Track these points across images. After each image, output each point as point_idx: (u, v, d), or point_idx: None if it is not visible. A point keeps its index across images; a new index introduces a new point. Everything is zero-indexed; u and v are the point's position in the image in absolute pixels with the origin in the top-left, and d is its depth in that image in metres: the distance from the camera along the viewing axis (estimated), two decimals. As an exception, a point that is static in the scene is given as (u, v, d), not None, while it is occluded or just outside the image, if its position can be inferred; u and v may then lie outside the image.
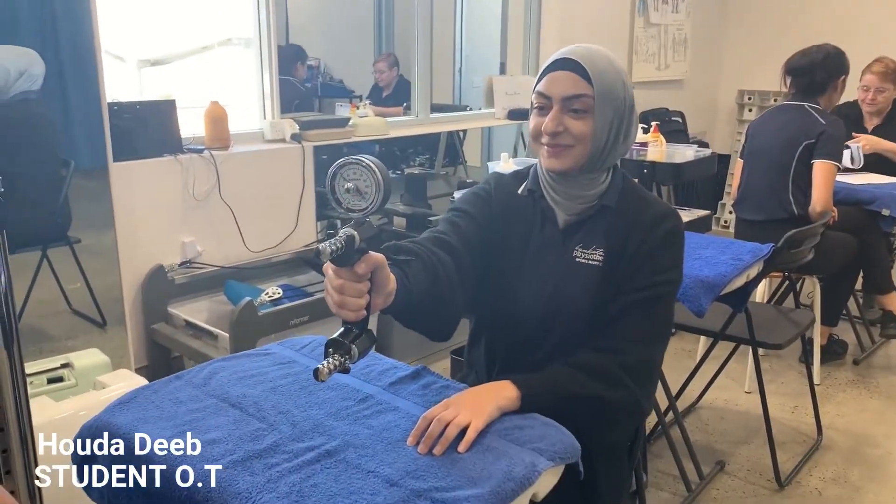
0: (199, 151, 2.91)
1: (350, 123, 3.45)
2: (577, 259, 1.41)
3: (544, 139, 1.37)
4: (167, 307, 2.85)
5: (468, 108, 4.92)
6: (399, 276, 1.14)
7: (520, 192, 1.49)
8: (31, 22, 2.78)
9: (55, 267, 3.52)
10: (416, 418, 1.19)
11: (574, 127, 1.35)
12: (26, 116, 3.00)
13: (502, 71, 5.04)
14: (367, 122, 3.51)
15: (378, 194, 1.05)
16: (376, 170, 1.05)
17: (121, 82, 3.50)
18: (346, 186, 1.06)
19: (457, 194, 2.80)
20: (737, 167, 3.34)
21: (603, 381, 1.30)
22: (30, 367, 2.38)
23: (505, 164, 2.78)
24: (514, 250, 1.44)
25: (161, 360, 2.88)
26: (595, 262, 1.39)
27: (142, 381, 2.27)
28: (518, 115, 4.26)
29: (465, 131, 5.06)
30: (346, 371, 1.01)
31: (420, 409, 1.22)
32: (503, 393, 1.23)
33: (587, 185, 1.41)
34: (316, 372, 0.96)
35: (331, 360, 0.98)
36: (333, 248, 0.91)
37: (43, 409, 2.11)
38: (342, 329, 0.99)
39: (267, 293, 2.64)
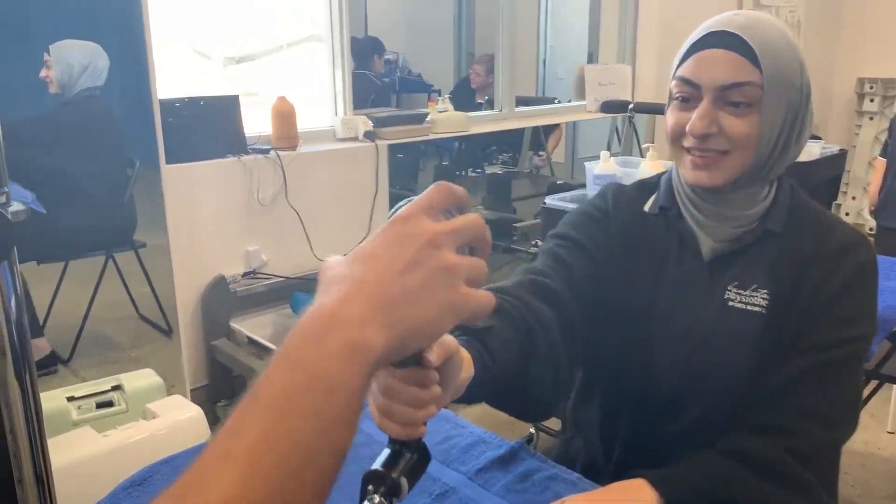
0: (265, 152, 2.66)
1: (428, 119, 3.14)
2: (731, 303, 1.04)
3: (688, 142, 1.01)
4: (229, 322, 2.61)
5: (556, 101, 4.55)
6: (478, 354, 0.80)
7: (647, 209, 1.13)
8: (86, 15, 2.60)
9: (122, 270, 3.38)
10: (516, 531, 0.86)
11: (732, 127, 0.98)
12: (91, 114, 2.84)
13: (590, 60, 4.65)
14: (446, 118, 3.20)
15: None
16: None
17: (206, 79, 3.36)
18: None
19: (548, 199, 2.45)
20: (877, 167, 2.86)
21: (774, 478, 0.94)
22: (79, 390, 2.18)
23: (605, 164, 2.41)
24: (640, 290, 1.09)
25: (222, 380, 2.65)
26: (756, 308, 1.03)
27: (195, 411, 2.04)
28: (613, 107, 3.86)
29: (554, 126, 4.68)
30: None
31: (520, 515, 0.89)
32: (639, 498, 0.89)
33: (744, 202, 1.05)
34: None
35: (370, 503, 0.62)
36: None
37: (84, 442, 1.89)
38: (388, 452, 0.63)
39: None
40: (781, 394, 0.99)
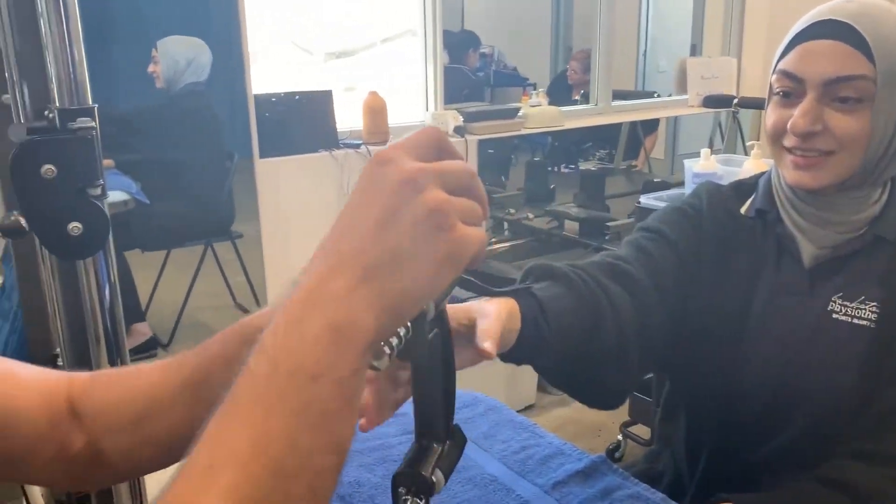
0: (356, 146, 2.68)
1: (520, 114, 3.09)
2: (835, 315, 0.96)
3: (789, 141, 0.94)
4: (318, 314, 2.65)
5: (656, 95, 4.40)
6: (529, 311, 0.78)
7: (743, 211, 1.06)
8: (190, 12, 2.69)
9: (221, 259, 3.50)
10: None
11: (840, 125, 0.90)
12: (194, 108, 2.94)
13: (693, 53, 4.47)
14: (539, 113, 3.14)
15: None
16: None
17: (307, 75, 3.46)
18: None
19: (643, 198, 2.36)
20: None
21: None
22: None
23: (705, 162, 2.29)
24: (732, 296, 1.01)
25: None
26: (863, 322, 0.94)
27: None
28: (716, 102, 3.68)
29: (652, 127, 4.53)
30: None
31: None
32: None
33: (851, 206, 0.96)
34: None
35: None
36: (392, 342, 0.48)
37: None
38: (415, 447, 0.57)
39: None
40: (891, 418, 0.90)
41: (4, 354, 2.24)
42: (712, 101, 3.69)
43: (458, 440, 0.57)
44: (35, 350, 1.99)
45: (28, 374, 0.66)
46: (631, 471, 1.13)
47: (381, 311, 0.40)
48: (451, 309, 0.69)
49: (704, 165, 2.30)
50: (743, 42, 4.04)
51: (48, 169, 1.24)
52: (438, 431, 0.56)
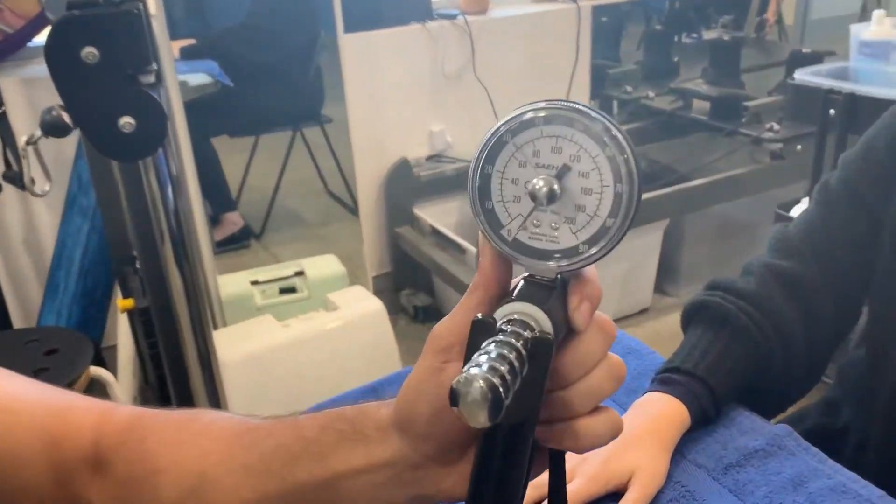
0: (452, 17, 2.36)
1: (640, -27, 2.67)
2: None
3: None
4: (412, 208, 2.44)
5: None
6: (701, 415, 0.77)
7: None
8: None
9: (311, 144, 3.33)
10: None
11: None
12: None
13: None
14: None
15: (626, 213, 0.35)
16: (625, 143, 0.35)
17: None
18: (533, 185, 0.36)
19: (798, 74, 1.94)
20: None
21: None
22: (263, 274, 2.13)
23: (878, 28, 1.86)
24: None
25: (406, 268, 2.51)
26: None
27: (377, 305, 1.91)
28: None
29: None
30: None
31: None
32: None
33: None
34: None
35: None
36: (490, 396, 0.31)
37: (263, 332, 1.83)
38: None
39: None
40: None
41: (85, 255, 2.09)
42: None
43: None
44: (115, 251, 1.87)
45: (32, 408, 0.47)
46: (802, 427, 0.89)
47: None
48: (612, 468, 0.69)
49: (877, 32, 1.88)
50: None
51: (89, 52, 1.02)
52: None
